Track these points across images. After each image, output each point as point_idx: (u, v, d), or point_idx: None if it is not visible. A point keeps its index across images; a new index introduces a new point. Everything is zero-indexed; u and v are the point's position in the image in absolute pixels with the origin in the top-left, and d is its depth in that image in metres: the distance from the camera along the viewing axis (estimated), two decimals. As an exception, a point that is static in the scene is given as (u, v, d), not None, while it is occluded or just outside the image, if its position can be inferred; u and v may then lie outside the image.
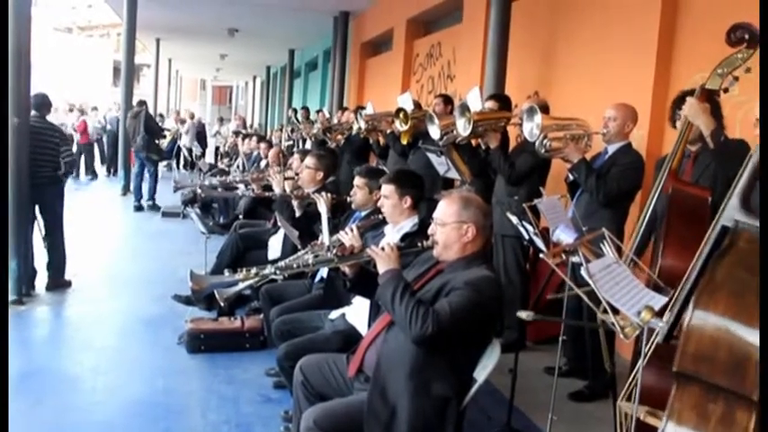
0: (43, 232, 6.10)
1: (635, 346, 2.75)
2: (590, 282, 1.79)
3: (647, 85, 4.93)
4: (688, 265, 1.94)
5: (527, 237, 3.35)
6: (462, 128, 4.52)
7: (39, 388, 4.12)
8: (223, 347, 4.73)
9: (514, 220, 3.41)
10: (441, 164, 5.17)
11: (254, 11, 13.52)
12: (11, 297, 5.61)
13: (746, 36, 2.80)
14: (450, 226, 2.61)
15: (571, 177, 4.16)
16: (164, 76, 24.43)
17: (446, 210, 2.65)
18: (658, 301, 1.87)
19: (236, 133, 14.59)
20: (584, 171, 4.02)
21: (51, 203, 6.05)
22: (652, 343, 2.08)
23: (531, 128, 4.09)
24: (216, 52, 21.25)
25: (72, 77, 33.81)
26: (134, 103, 12.48)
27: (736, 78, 2.91)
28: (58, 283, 6.16)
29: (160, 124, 14.73)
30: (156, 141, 11.94)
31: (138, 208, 11.26)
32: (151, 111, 18.28)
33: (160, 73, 21.99)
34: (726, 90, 2.97)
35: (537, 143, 4.07)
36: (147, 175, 11.47)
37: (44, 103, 6.02)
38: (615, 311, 1.91)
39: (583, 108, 5.09)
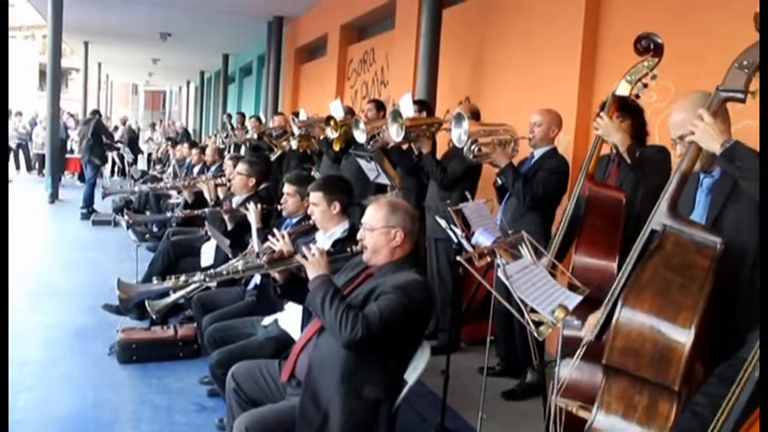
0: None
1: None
2: (506, 282, 1.86)
3: (572, 90, 5.10)
4: (599, 261, 2.04)
5: (456, 240, 3.43)
6: (395, 133, 4.58)
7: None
8: (156, 357, 4.66)
9: (443, 223, 3.48)
10: (371, 169, 5.23)
11: (186, 15, 13.34)
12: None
13: (651, 45, 2.96)
14: (378, 231, 2.66)
15: (499, 182, 4.27)
16: (93, 81, 23.80)
17: (374, 215, 2.69)
18: (573, 299, 1.96)
19: (169, 139, 14.37)
20: (511, 175, 4.12)
21: None
22: (585, 345, 2.16)
23: (459, 134, 4.18)
24: (148, 57, 20.87)
25: (-5, 81, 32.57)
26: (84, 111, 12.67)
27: (645, 85, 3.04)
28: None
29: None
30: (103, 147, 11.87)
31: (85, 215, 11.05)
32: (76, 116, 17.92)
33: (89, 77, 21.41)
34: (637, 96, 3.11)
35: (465, 149, 4.16)
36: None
37: None
38: (534, 311, 1.99)
39: (512, 113, 5.23)
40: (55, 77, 12.84)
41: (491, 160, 4.24)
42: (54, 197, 12.40)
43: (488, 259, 2.64)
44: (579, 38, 5.08)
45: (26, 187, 15.39)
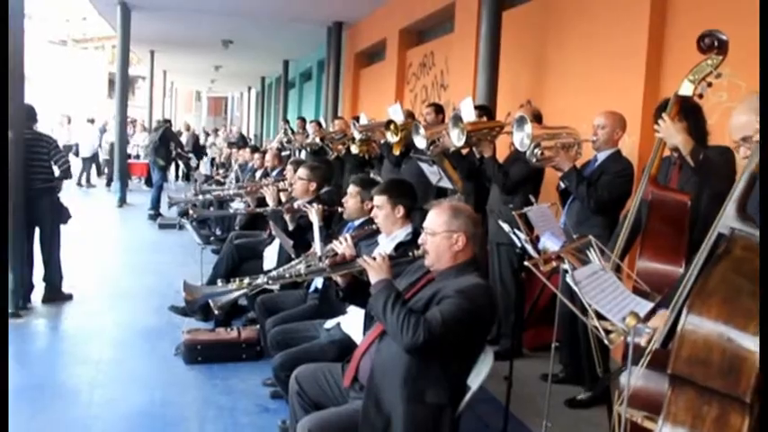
0: (39, 245, 6.12)
1: (624, 351, 2.79)
2: (575, 289, 1.82)
3: (637, 91, 4.98)
4: (665, 266, 1.98)
5: (519, 244, 3.39)
6: (456, 138, 4.56)
7: (36, 401, 4.13)
8: (220, 358, 4.74)
9: (506, 227, 3.45)
10: (432, 173, 5.21)
11: (248, 22, 13.58)
12: (8, 310, 5.63)
13: (715, 43, 2.86)
14: (440, 235, 2.65)
15: (562, 185, 4.20)
16: (159, 88, 24.46)
17: (436, 219, 2.68)
18: (644, 306, 1.90)
19: (231, 144, 14.66)
20: (574, 179, 4.06)
21: (46, 215, 6.06)
22: (650, 352, 2.10)
23: (521, 137, 4.14)
24: (210, 64, 21.31)
25: (68, 90, 33.86)
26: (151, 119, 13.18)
27: (710, 84, 2.95)
28: (56, 295, 6.17)
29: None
30: (169, 150, 12.34)
31: (152, 217, 11.41)
32: (145, 122, 18.46)
33: (155, 85, 22.04)
34: (701, 96, 3.01)
35: (528, 152, 4.11)
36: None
37: (31, 115, 6.05)
38: (602, 317, 1.94)
39: (574, 116, 5.14)
40: (123, 85, 13.27)
41: (554, 164, 4.18)
42: (122, 201, 12.82)
43: (554, 264, 2.60)
44: (644, 38, 4.96)
45: (97, 192, 15.95)
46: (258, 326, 4.66)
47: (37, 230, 6.08)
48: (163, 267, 7.74)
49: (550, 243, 2.87)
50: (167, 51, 19.07)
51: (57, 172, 6.13)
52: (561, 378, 4.41)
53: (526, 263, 2.35)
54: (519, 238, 3.37)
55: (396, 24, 10.81)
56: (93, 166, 17.43)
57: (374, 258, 2.66)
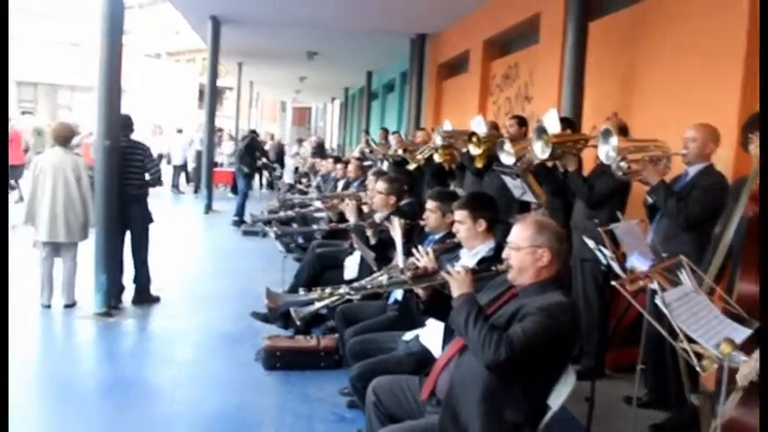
0: (130, 248, 6.37)
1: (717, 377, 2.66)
2: (665, 311, 1.75)
3: (732, 103, 4.77)
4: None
5: (605, 262, 3.29)
6: (540, 150, 4.48)
7: (122, 398, 4.31)
8: (299, 365, 4.81)
9: (591, 244, 3.35)
10: (516, 187, 5.14)
11: (332, 34, 13.80)
12: (100, 309, 5.89)
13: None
14: (524, 250, 2.60)
15: (650, 200, 4.06)
16: (245, 99, 25.13)
17: (520, 234, 2.63)
18: (741, 333, 1.81)
19: (315, 154, 14.93)
20: (663, 194, 3.92)
21: (137, 219, 6.32)
22: (743, 386, 2.00)
23: (607, 150, 4.03)
24: (295, 75, 21.73)
25: (160, 100, 35.23)
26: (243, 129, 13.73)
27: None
28: (145, 297, 6.41)
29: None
30: (254, 159, 12.73)
31: (236, 224, 11.72)
32: (232, 131, 18.99)
33: (242, 95, 22.67)
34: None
35: (614, 165, 4.00)
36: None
37: (127, 124, 6.31)
38: (693, 340, 1.85)
39: (663, 129, 4.97)
40: (212, 96, 13.72)
41: (641, 177, 4.05)
42: (209, 208, 13.23)
43: (642, 284, 2.51)
44: (742, 47, 4.74)
45: (185, 198, 16.51)
46: (337, 335, 4.70)
47: (128, 234, 6.33)
48: (245, 273, 7.92)
49: (638, 263, 2.76)
50: (254, 63, 19.57)
51: (147, 178, 6.38)
52: (645, 401, 4.25)
53: (612, 282, 2.27)
54: (604, 255, 3.27)
55: (479, 36, 10.75)
56: (183, 174, 18.09)
57: (457, 272, 2.63)
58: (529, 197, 5.12)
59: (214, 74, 13.81)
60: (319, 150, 17.84)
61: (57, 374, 4.75)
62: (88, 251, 6.12)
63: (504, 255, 2.68)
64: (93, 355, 5.41)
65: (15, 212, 11.29)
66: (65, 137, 6.23)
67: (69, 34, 39.85)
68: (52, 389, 4.54)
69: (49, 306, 6.07)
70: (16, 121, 15.87)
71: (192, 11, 13.02)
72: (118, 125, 6.04)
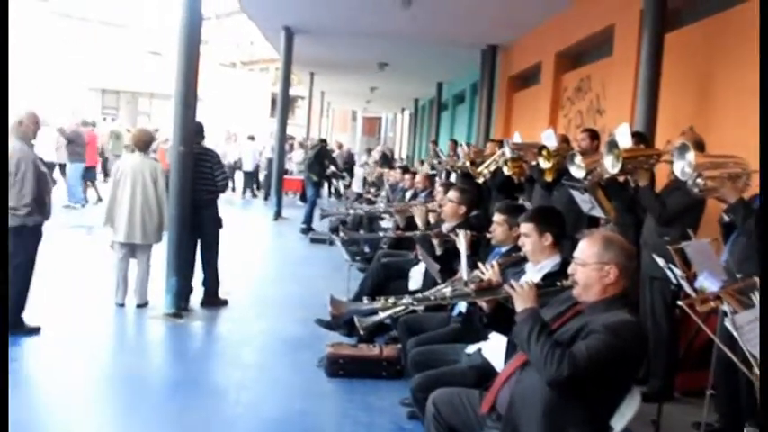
0: (200, 251, 6.54)
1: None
2: (735, 333, 1.69)
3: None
4: None
5: (675, 281, 3.20)
6: (611, 165, 4.39)
7: (188, 396, 4.44)
8: (361, 374, 4.84)
9: (661, 262, 3.27)
10: (584, 201, 5.05)
11: (403, 45, 13.88)
12: (170, 310, 6.06)
13: None
14: (590, 266, 2.56)
15: (726, 219, 3.93)
16: (316, 108, 25.49)
17: (587, 249, 2.59)
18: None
19: (383, 164, 15.03)
20: (741, 212, 3.77)
21: (208, 224, 6.49)
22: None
23: (682, 166, 3.91)
24: (366, 85, 21.93)
25: (234, 108, 36.14)
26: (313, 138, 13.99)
27: None
28: (213, 300, 6.56)
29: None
30: (323, 167, 12.95)
31: (304, 231, 11.88)
32: (302, 140, 19.29)
33: (313, 105, 23.02)
34: None
35: (689, 182, 3.88)
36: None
37: (199, 131, 6.50)
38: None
39: (743, 145, 4.79)
40: (284, 105, 14.00)
41: (718, 195, 3.91)
42: (278, 215, 13.46)
43: (712, 305, 2.43)
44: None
45: (256, 205, 16.87)
46: (400, 345, 4.71)
47: (199, 238, 6.51)
48: (311, 280, 8.03)
49: (708, 283, 2.68)
50: (326, 73, 19.85)
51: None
52: (716, 428, 4.09)
53: (680, 302, 2.21)
54: (674, 274, 3.18)
55: (551, 48, 10.63)
56: (254, 180, 18.54)
57: (521, 286, 2.61)
58: (597, 212, 5.02)
59: (286, 83, 14.10)
60: (385, 160, 17.98)
61: (128, 371, 4.91)
62: (161, 253, 6.32)
63: (569, 270, 2.65)
64: (163, 354, 5.58)
65: (95, 213, 11.81)
66: (144, 142, 6.48)
67: (151, 44, 41.34)
68: (123, 385, 4.70)
69: (122, 305, 6.29)
70: (99, 126, 16.58)
71: (266, 22, 13.32)
72: (192, 132, 6.23)
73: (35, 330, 5.38)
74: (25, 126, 5.30)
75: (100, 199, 13.59)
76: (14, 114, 5.47)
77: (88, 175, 13.88)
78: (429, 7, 9.99)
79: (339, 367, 4.85)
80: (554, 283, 2.71)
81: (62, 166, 13.59)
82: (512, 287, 2.64)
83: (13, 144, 5.18)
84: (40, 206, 5.31)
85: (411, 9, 9.59)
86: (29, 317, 5.40)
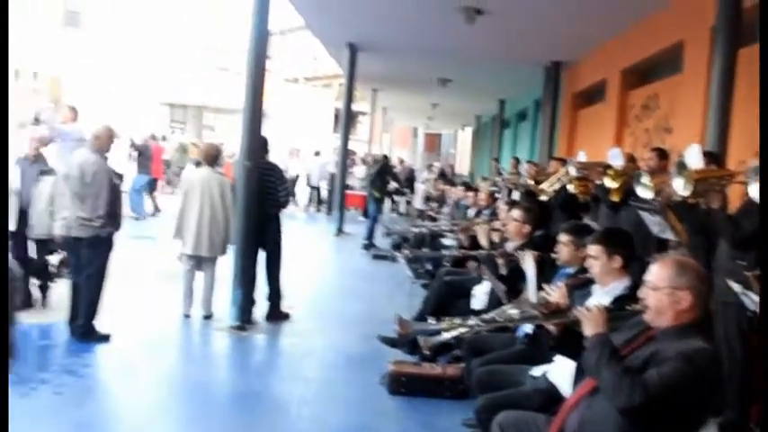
0: (264, 265, 6.65)
1: None
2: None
3: None
4: None
5: (751, 307, 3.10)
6: (680, 187, 4.28)
7: (251, 409, 4.52)
8: (423, 392, 4.82)
9: (737, 288, 3.17)
10: (655, 223, 4.92)
11: (466, 62, 13.89)
12: (234, 322, 6.18)
13: None
14: (663, 291, 2.50)
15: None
16: (378, 124, 25.68)
17: (659, 274, 2.53)
18: None
19: (446, 181, 15.01)
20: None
21: (272, 238, 6.60)
22: None
23: (758, 188, 3.79)
24: (428, 101, 21.97)
25: (297, 123, 36.77)
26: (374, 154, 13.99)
27: None
28: (276, 313, 6.66)
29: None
30: (384, 183, 13.04)
31: (366, 247, 11.93)
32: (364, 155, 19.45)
33: (375, 121, 23.19)
34: None
35: (766, 205, 3.75)
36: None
37: (264, 146, 6.63)
38: None
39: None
40: (347, 121, 14.18)
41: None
42: (340, 230, 13.58)
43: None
44: None
45: (318, 219, 17.06)
46: (463, 364, 4.68)
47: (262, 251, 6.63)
48: (373, 296, 8.07)
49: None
50: (388, 89, 19.98)
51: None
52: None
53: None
54: (751, 301, 3.08)
55: (617, 64, 10.47)
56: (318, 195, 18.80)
57: (590, 310, 2.57)
58: (669, 234, 4.90)
59: (349, 99, 14.28)
60: (442, 177, 18.01)
61: (193, 382, 5.04)
62: (226, 266, 6.45)
63: (641, 294, 2.59)
64: (227, 366, 5.69)
65: (158, 224, 12.15)
66: (213, 156, 6.66)
67: (218, 60, 42.45)
68: (188, 395, 4.82)
69: (188, 316, 6.44)
70: (168, 140, 17.11)
71: (330, 38, 13.52)
72: (259, 147, 6.37)
73: (106, 338, 5.56)
74: (101, 140, 5.50)
75: (158, 210, 14.00)
76: (92, 128, 5.72)
77: (150, 187, 14.30)
78: (493, 24, 9.96)
79: (401, 385, 4.85)
80: (624, 307, 2.66)
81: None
82: (581, 311, 2.60)
83: (89, 157, 5.40)
84: (113, 218, 5.51)
85: (475, 25, 9.59)
86: (100, 325, 5.59)
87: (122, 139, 12.77)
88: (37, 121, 8.21)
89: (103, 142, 5.52)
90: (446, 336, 2.79)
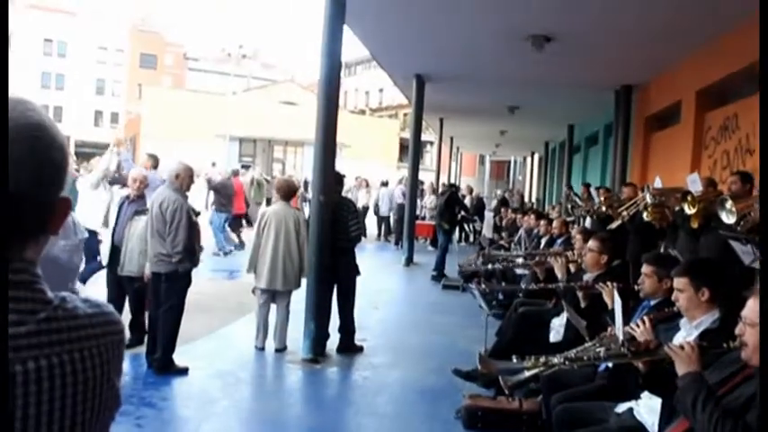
0: (337, 298, 6.68)
1: None
2: None
3: None
4: None
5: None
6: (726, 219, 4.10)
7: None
8: (500, 427, 4.70)
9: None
10: (746, 252, 4.69)
11: (534, 89, 13.77)
12: (308, 355, 6.20)
13: None
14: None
15: None
16: (445, 153, 25.68)
17: (756, 308, 2.40)
18: None
19: (515, 210, 14.82)
20: None
21: (345, 271, 6.63)
22: None
23: None
24: (496, 129, 21.85)
25: (364, 154, 37.16)
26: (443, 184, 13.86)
27: None
28: (349, 346, 6.65)
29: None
30: (454, 214, 12.92)
31: (436, 278, 11.79)
32: (433, 184, 19.47)
33: (442, 150, 23.19)
34: None
35: None
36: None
37: (339, 181, 6.70)
38: None
39: None
40: (415, 151, 14.20)
41: None
42: (409, 260, 13.52)
43: None
44: None
45: (387, 249, 17.07)
46: (540, 398, 4.55)
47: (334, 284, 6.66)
48: (446, 328, 7.97)
49: None
50: (455, 118, 19.98)
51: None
52: None
53: None
54: None
55: (692, 85, 10.17)
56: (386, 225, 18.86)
57: (682, 347, 2.45)
58: (758, 264, 4.67)
59: (418, 129, 14.32)
60: (503, 204, 17.89)
61: (267, 415, 5.07)
62: (299, 299, 6.50)
63: (737, 331, 2.45)
64: (300, 400, 5.70)
65: (237, 259, 12.37)
66: (288, 192, 6.76)
67: (285, 94, 43.44)
68: (263, 427, 4.87)
69: (262, 349, 6.49)
70: (241, 176, 17.45)
71: (398, 70, 13.65)
72: (332, 181, 6.44)
73: (184, 371, 5.66)
74: (181, 179, 5.66)
75: (242, 245, 14.19)
76: (171, 166, 5.90)
77: (234, 223, 14.49)
78: (562, 50, 9.86)
79: (477, 420, 4.74)
80: (719, 344, 2.53)
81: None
82: (673, 349, 2.48)
83: (169, 195, 5.56)
84: (191, 254, 5.64)
85: (544, 52, 9.51)
86: (178, 358, 5.69)
87: (200, 178, 13.12)
88: (119, 167, 8.53)
89: (183, 180, 5.67)
90: (527, 374, 2.72)
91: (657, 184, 6.55)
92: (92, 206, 8.21)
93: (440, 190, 16.43)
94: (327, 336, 6.64)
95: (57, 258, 4.11)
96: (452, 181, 22.40)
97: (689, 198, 5.36)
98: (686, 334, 3.07)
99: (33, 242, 1.00)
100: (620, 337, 3.11)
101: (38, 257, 1.01)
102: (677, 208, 5.74)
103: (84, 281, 7.31)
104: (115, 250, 6.23)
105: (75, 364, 0.98)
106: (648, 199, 6.24)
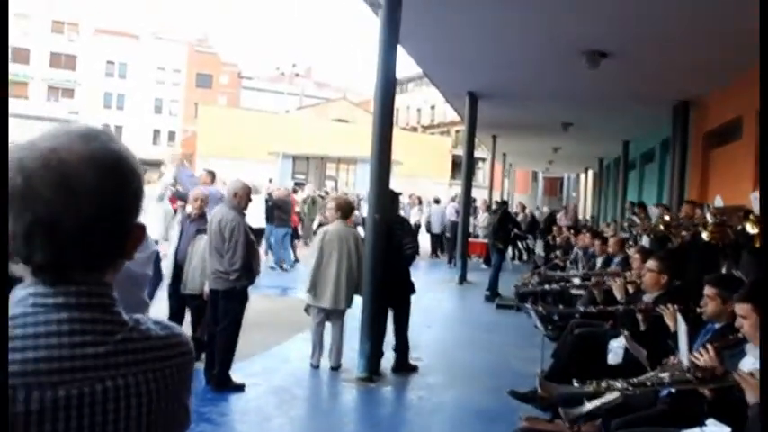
0: (391, 317, 6.69)
1: None
2: None
3: None
4: None
5: None
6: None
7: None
8: (557, 451, 4.65)
9: None
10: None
11: (588, 105, 13.63)
12: (362, 374, 6.23)
13: None
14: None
15: None
16: (498, 170, 25.54)
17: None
18: None
19: (571, 228, 14.63)
20: None
21: (399, 290, 6.64)
22: None
23: None
24: (549, 146, 21.65)
25: (415, 171, 37.22)
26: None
27: None
28: (404, 365, 6.65)
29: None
30: (507, 233, 12.88)
31: (489, 297, 11.69)
32: (485, 201, 19.38)
33: (495, 167, 23.07)
34: None
35: None
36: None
37: (394, 200, 6.73)
38: None
39: None
40: (468, 168, 14.17)
41: None
42: (463, 279, 13.46)
43: None
44: None
45: (440, 267, 16.99)
46: (600, 421, 4.47)
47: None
48: (501, 348, 7.90)
49: None
50: (508, 135, 19.86)
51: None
52: None
53: None
54: None
55: (753, 101, 9.86)
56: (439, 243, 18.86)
57: (752, 375, 2.39)
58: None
59: (471, 147, 14.29)
60: (549, 222, 17.76)
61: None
62: (352, 317, 6.53)
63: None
64: (356, 419, 5.71)
65: (290, 276, 12.50)
66: (347, 210, 6.81)
67: (337, 111, 43.91)
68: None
69: (317, 367, 6.53)
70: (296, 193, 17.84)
71: (450, 88, 13.69)
72: (388, 199, 6.49)
73: (240, 387, 5.73)
74: (239, 198, 5.77)
75: (297, 260, 14.41)
76: (229, 185, 6.03)
77: (291, 238, 14.82)
78: (617, 66, 9.74)
79: (535, 443, 4.70)
80: (790, 371, 2.46)
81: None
82: (743, 377, 2.42)
83: (227, 213, 5.67)
84: (248, 271, 5.72)
85: (598, 69, 9.41)
86: (235, 374, 5.78)
87: (260, 195, 13.36)
88: (175, 180, 8.75)
89: (241, 199, 5.78)
90: (589, 407, 2.68)
91: (718, 203, 6.41)
92: (155, 217, 8.40)
93: (493, 207, 16.32)
94: (382, 354, 6.64)
95: (129, 270, 4.22)
96: (504, 198, 22.22)
97: (751, 217, 5.23)
98: (754, 360, 2.98)
99: (112, 266, 1.06)
100: (686, 363, 3.03)
101: (113, 280, 1.07)
102: (739, 227, 5.61)
103: (149, 297, 7.47)
104: (177, 268, 6.36)
105: (149, 384, 1.03)
106: (709, 218, 6.11)
